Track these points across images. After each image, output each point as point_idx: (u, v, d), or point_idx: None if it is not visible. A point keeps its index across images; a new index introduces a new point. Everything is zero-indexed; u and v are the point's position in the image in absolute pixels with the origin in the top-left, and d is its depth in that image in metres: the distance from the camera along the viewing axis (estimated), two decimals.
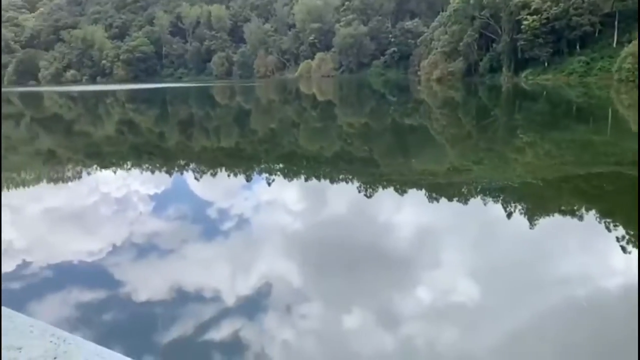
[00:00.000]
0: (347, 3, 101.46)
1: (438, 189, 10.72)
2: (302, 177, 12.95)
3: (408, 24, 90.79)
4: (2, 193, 12.30)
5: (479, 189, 10.53)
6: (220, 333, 5.08)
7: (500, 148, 16.11)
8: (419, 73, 72.13)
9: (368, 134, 21.06)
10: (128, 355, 4.67)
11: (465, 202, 9.74)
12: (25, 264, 7.15)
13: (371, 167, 13.91)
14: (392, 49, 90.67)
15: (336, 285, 6.33)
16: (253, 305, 5.69)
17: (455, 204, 9.73)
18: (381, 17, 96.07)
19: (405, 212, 9.41)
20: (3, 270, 6.95)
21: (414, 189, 10.80)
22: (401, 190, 10.79)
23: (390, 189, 11.03)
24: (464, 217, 8.93)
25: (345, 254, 7.40)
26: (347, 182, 12.05)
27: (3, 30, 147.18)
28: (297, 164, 14.99)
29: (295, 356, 4.74)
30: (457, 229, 8.40)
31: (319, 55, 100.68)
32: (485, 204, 9.47)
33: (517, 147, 15.85)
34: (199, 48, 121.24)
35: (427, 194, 10.38)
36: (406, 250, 7.54)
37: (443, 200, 9.95)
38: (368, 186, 11.42)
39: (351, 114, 31.14)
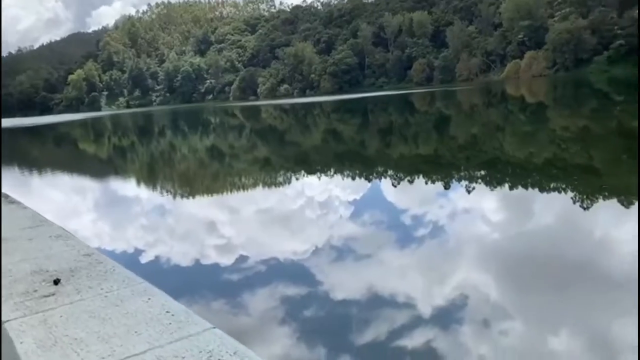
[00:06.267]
0: None
1: None
2: (506, 185, 12.08)
3: None
4: (227, 196, 14.01)
5: None
6: (414, 341, 4.96)
7: None
8: None
9: (587, 138, 18.75)
10: (332, 350, 4.85)
11: None
12: (242, 258, 7.97)
13: (591, 175, 12.32)
14: (619, 42, 79.95)
15: (542, 304, 5.68)
16: (447, 316, 5.46)
17: None
18: (605, 8, 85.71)
19: (630, 228, 8.05)
20: (226, 262, 7.85)
21: None
22: (627, 202, 9.29)
23: (613, 201, 9.60)
24: None
25: (554, 270, 6.60)
26: (559, 192, 10.86)
27: (229, 52, 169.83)
28: (500, 171, 14.06)
29: None
30: None
31: (528, 54, 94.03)
32: None
33: None
34: (400, 56, 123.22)
35: None
36: (629, 272, 6.41)
37: None
38: (585, 197, 10.11)
39: (567, 116, 28.19)
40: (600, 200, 9.79)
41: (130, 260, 8.09)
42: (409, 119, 36.30)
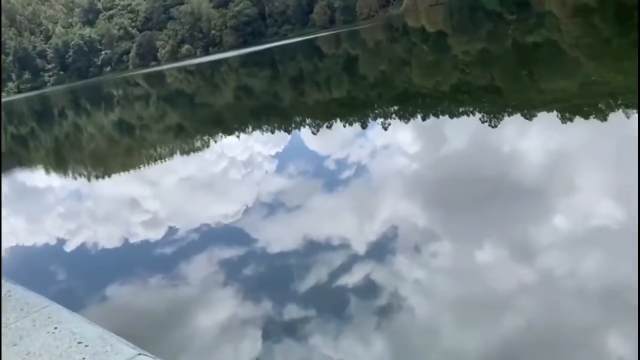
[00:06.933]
0: None
1: (571, 108, 9.68)
2: (419, 116, 12.50)
3: None
4: (144, 169, 13.50)
5: (620, 102, 9.32)
6: (353, 278, 5.15)
7: None
8: None
9: (487, 60, 19.61)
10: (277, 302, 4.95)
11: (604, 119, 8.69)
12: (171, 231, 7.80)
13: (494, 95, 12.99)
14: None
15: (465, 221, 6.06)
16: (382, 249, 5.69)
17: (593, 123, 8.72)
18: None
19: (534, 139, 8.68)
20: (154, 238, 7.66)
21: (544, 112, 9.87)
22: (529, 115, 9.94)
23: (517, 116, 10.21)
24: (602, 136, 7.99)
25: (473, 188, 7.03)
26: (468, 115, 11.40)
27: (121, 19, 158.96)
28: (412, 103, 14.49)
29: (430, 294, 4.66)
30: (593, 150, 7.54)
31: None
32: (628, 118, 8.37)
33: None
34: (300, 1, 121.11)
35: (559, 115, 9.44)
36: (540, 178, 6.96)
37: (578, 120, 8.97)
38: (492, 116, 10.69)
39: (466, 41, 29.22)
40: (506, 117, 10.38)
41: (34, 273, 7.22)
42: (318, 64, 36.17)
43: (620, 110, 8.83)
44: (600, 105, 9.47)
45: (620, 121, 8.27)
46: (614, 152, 7.22)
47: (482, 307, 4.28)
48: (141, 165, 14.24)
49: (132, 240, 7.85)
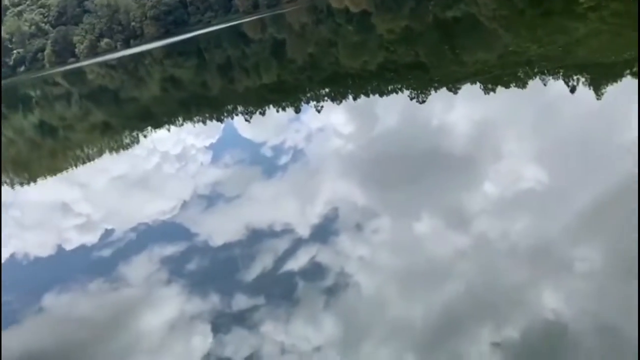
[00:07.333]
0: None
1: (492, 79, 10.11)
2: (350, 96, 12.64)
3: None
4: (72, 170, 12.90)
5: (536, 70, 9.83)
6: (299, 262, 5.17)
7: (558, 19, 14.78)
8: None
9: (410, 37, 20.06)
10: (224, 294, 4.88)
11: (524, 86, 9.15)
12: (107, 233, 7.53)
13: (419, 71, 13.33)
14: None
15: (403, 195, 6.22)
16: (324, 230, 5.74)
17: (514, 91, 9.17)
18: None
19: (461, 111, 9.01)
20: (90, 242, 7.36)
21: (468, 84, 10.25)
22: (454, 88, 10.29)
23: (443, 90, 10.54)
24: (524, 103, 8.41)
25: (407, 163, 7.23)
26: (397, 93, 11.65)
27: (31, 15, 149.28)
28: (342, 84, 14.61)
29: (375, 269, 4.77)
30: (516, 117, 7.93)
31: None
32: (545, 85, 8.86)
33: (577, 14, 14.40)
34: None
35: (482, 86, 9.84)
36: (468, 148, 7.25)
37: (500, 89, 9.39)
38: (419, 92, 10.98)
39: (389, 19, 29.70)
40: (433, 92, 10.69)
41: None
42: (245, 50, 35.64)
43: (538, 78, 9.32)
44: (519, 74, 9.94)
45: (539, 88, 8.74)
46: (535, 118, 7.63)
47: (424, 276, 4.44)
48: (69, 168, 13.58)
49: (65, 247, 7.53)
